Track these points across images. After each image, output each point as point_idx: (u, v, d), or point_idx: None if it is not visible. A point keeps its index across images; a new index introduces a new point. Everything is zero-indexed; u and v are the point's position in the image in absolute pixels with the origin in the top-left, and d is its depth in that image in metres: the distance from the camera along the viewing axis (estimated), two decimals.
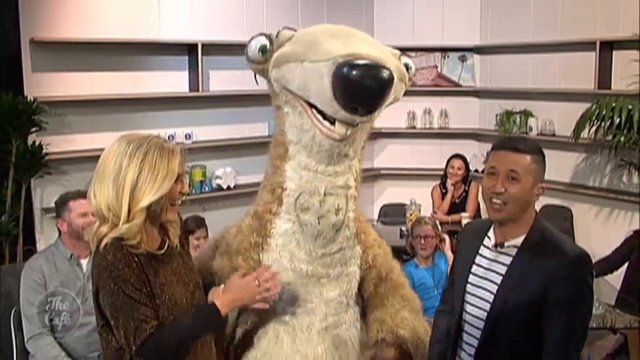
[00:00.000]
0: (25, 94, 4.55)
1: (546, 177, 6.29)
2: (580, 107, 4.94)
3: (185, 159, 1.95)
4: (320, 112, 1.94)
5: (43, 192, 4.72)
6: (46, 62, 4.69)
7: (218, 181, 5.42)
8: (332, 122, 1.93)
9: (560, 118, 5.55)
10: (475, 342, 2.03)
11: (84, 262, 3.10)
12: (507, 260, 2.00)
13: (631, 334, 3.48)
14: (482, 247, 2.08)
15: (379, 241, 2.37)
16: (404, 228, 5.00)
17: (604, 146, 4.89)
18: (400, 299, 2.33)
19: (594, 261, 4.09)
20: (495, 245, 2.03)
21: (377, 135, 6.60)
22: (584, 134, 4.89)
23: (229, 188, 5.39)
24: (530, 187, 1.97)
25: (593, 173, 5.43)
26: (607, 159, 5.18)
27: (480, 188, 5.49)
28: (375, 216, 6.11)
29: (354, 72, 1.79)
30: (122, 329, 1.78)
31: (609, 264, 4.05)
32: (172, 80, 5.27)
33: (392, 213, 5.78)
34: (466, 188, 5.38)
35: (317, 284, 2.17)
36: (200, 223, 4.02)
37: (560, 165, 5.61)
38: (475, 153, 6.31)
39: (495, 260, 2.03)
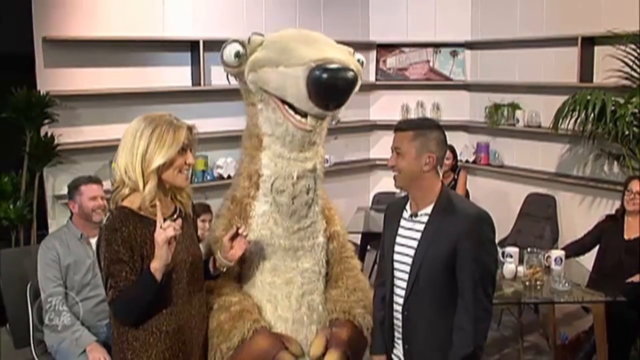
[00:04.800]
0: (38, 88, 4.73)
1: (531, 166, 6.48)
2: (564, 100, 5.08)
3: (194, 136, 2.22)
4: (292, 107, 2.21)
5: (55, 180, 4.93)
6: (57, 58, 4.88)
7: (219, 170, 5.65)
8: (303, 115, 2.21)
9: (545, 110, 5.72)
10: (403, 294, 2.34)
11: (93, 240, 3.36)
12: (421, 227, 2.32)
13: (595, 307, 3.68)
14: (401, 219, 2.40)
15: (340, 221, 2.65)
16: None
17: (584, 137, 5.09)
18: (354, 280, 2.58)
19: (569, 243, 4.40)
20: (411, 216, 2.36)
21: (372, 127, 6.85)
22: (567, 125, 5.06)
23: (229, 177, 5.54)
24: (414, 159, 2.27)
25: (576, 163, 5.64)
26: (589, 149, 5.38)
27: (467, 177, 5.74)
28: (370, 204, 6.31)
29: (326, 75, 2.08)
30: (104, 281, 2.13)
31: (580, 246, 4.27)
32: (176, 75, 5.47)
33: (384, 201, 5.96)
34: (455, 177, 5.57)
35: (294, 257, 2.44)
36: (206, 208, 4.20)
37: (545, 155, 5.86)
38: (466, 144, 6.54)
39: (411, 229, 2.35)
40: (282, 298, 2.46)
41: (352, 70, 2.13)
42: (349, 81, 2.11)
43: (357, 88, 2.21)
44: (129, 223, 2.10)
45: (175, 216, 2.23)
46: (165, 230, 2.02)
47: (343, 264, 2.59)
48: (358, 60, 2.39)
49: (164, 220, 2.12)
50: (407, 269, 2.32)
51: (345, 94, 2.16)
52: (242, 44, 2.29)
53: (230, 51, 2.28)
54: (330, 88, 2.11)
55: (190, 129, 2.19)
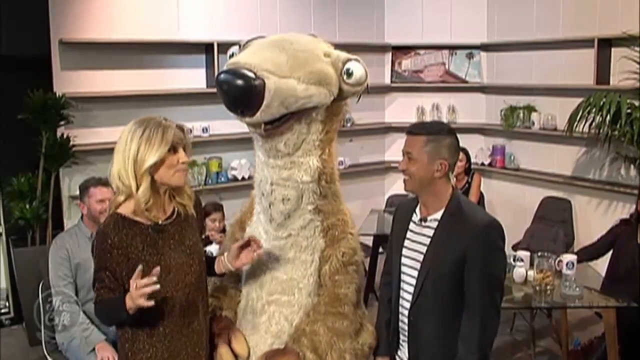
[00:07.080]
0: (55, 90, 4.81)
1: (547, 169, 6.40)
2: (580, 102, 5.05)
3: (187, 135, 2.22)
4: None
5: (70, 180, 5.00)
6: (74, 61, 4.96)
7: (233, 172, 5.68)
8: None
9: (561, 113, 5.66)
10: (410, 298, 2.33)
11: None
12: (430, 232, 2.29)
13: (606, 313, 3.63)
14: (411, 222, 2.38)
15: (347, 247, 2.38)
16: None
17: (600, 140, 5.03)
18: (323, 315, 2.33)
19: (582, 247, 4.35)
20: (420, 220, 2.34)
21: (387, 129, 6.85)
22: (583, 128, 5.01)
23: (243, 178, 5.63)
24: (426, 164, 2.24)
25: (592, 166, 5.58)
26: (606, 152, 5.32)
27: (481, 180, 5.67)
28: (384, 206, 6.30)
29: (218, 79, 2.05)
30: (92, 282, 2.18)
31: (594, 251, 4.21)
32: (190, 77, 5.50)
33: (397, 203, 5.98)
34: (469, 180, 5.53)
35: (275, 262, 2.39)
36: (218, 207, 4.24)
37: (561, 158, 5.81)
38: (482, 147, 6.50)
39: (420, 233, 2.33)
40: (252, 298, 2.45)
41: (243, 76, 1.98)
42: (231, 85, 1.99)
43: (271, 97, 2.02)
44: (119, 230, 2.12)
45: (172, 219, 2.23)
46: (140, 291, 1.97)
47: (326, 291, 2.38)
48: (348, 71, 2.19)
49: (159, 225, 2.18)
50: (415, 274, 2.30)
51: (231, 100, 2.04)
52: (240, 46, 2.31)
53: (229, 53, 2.34)
54: (220, 93, 2.05)
55: (180, 128, 2.19)
